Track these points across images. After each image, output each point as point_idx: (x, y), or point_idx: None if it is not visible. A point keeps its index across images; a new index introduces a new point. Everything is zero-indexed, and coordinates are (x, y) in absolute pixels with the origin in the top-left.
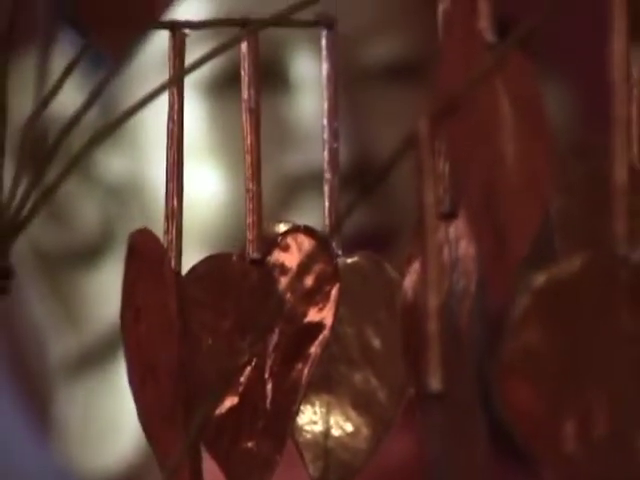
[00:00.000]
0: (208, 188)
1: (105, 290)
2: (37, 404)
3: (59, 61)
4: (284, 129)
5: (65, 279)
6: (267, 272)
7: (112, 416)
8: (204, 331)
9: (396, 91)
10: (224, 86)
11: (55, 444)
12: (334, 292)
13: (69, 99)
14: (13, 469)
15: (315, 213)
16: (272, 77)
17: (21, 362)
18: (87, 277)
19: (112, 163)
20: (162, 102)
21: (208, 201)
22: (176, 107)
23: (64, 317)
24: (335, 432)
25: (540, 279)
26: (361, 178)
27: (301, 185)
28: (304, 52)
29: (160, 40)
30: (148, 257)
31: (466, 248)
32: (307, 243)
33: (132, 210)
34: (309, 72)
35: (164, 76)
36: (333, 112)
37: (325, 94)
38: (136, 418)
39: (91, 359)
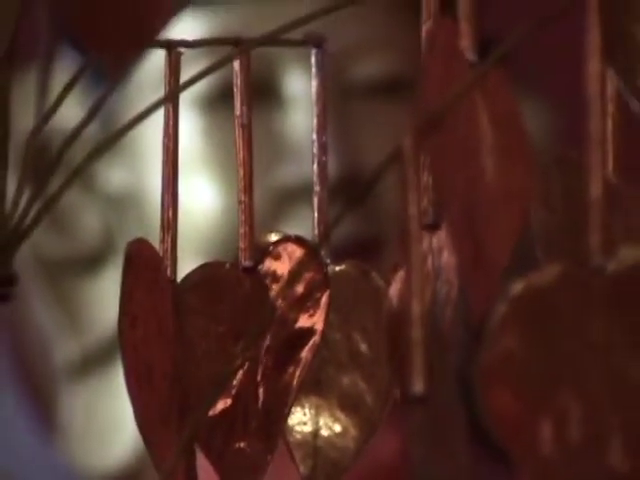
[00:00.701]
0: (202, 199)
1: (106, 296)
2: (41, 405)
3: (60, 77)
4: (275, 143)
5: (67, 286)
6: (259, 280)
7: (113, 417)
8: (198, 336)
9: (382, 107)
10: (217, 102)
11: (59, 444)
12: (324, 299)
13: (70, 114)
14: (18, 468)
15: (305, 223)
16: (264, 93)
17: (26, 365)
18: (88, 284)
19: (112, 175)
20: (159, 116)
21: (202, 212)
22: (171, 122)
23: (67, 322)
24: (324, 432)
25: (518, 287)
26: (349, 190)
27: (292, 197)
28: (295, 69)
29: (156, 58)
30: (144, 266)
31: (448, 258)
32: (298, 252)
33: (131, 220)
34: (299, 89)
35: (160, 93)
36: (322, 127)
37: (315, 110)
38: (130, 422)
39: (93, 362)
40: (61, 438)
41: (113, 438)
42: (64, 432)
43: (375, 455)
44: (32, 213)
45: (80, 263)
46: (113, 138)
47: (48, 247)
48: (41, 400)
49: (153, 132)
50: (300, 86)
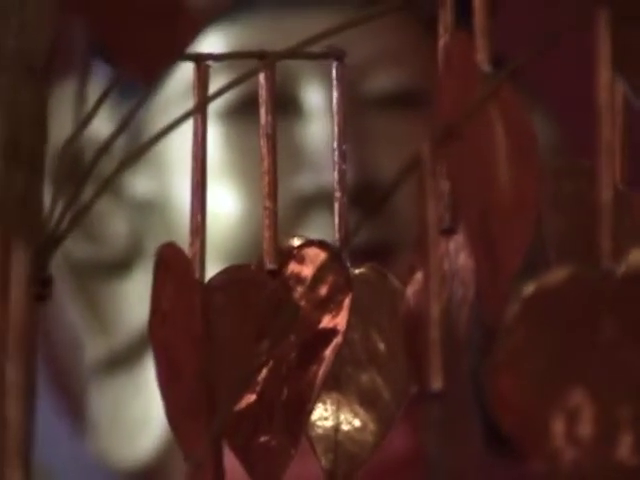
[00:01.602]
0: (223, 207)
1: (132, 298)
2: (72, 401)
3: (93, 90)
4: (291, 153)
5: (96, 288)
6: (283, 282)
7: (139, 412)
8: (225, 335)
9: (395, 118)
10: (237, 114)
11: (88, 437)
12: (347, 301)
13: (99, 127)
14: (50, 460)
15: (321, 230)
16: (281, 105)
17: (57, 364)
18: (116, 286)
19: (139, 183)
20: (184, 128)
21: (223, 218)
22: (200, 132)
23: (95, 323)
24: (344, 427)
25: (530, 288)
26: (363, 198)
27: (307, 205)
28: (311, 83)
29: (178, 73)
30: (174, 268)
31: (465, 260)
32: (321, 256)
33: (157, 226)
34: (315, 101)
35: (182, 108)
36: (342, 136)
37: (335, 120)
38: (161, 413)
39: (120, 361)
40: (90, 433)
41: (140, 433)
42: (93, 427)
43: (388, 449)
44: (67, 220)
45: (108, 267)
46: (144, 147)
47: (78, 252)
48: (72, 396)
49: (178, 142)
50: (316, 98)
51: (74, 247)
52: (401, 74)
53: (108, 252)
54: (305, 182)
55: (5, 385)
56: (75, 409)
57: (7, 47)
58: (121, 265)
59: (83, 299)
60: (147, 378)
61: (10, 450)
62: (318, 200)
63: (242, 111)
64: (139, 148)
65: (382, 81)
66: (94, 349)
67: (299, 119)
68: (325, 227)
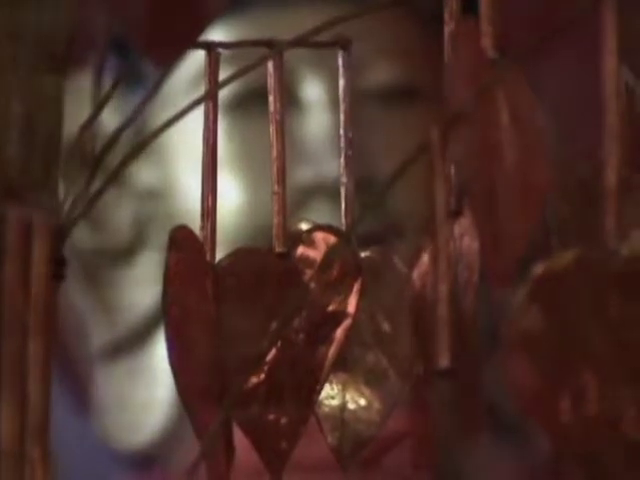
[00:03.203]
0: (226, 194)
1: (137, 285)
2: (77, 385)
3: (104, 82)
4: (292, 146)
5: (101, 276)
6: (292, 264)
7: (143, 396)
8: (235, 315)
9: (391, 112)
10: (238, 108)
11: (94, 420)
12: (356, 284)
13: (107, 119)
14: (57, 443)
15: (321, 221)
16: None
17: (65, 348)
18: (121, 273)
19: (143, 173)
20: (188, 119)
21: (226, 205)
22: (211, 117)
23: (101, 310)
24: (350, 406)
25: (539, 270)
26: (361, 187)
27: (308, 196)
28: (311, 76)
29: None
30: (186, 249)
31: (469, 243)
32: (331, 239)
33: (160, 214)
34: (315, 94)
35: (185, 101)
36: (348, 123)
37: (341, 107)
38: (165, 397)
39: (125, 346)
40: (96, 416)
41: (144, 416)
42: (98, 411)
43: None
44: (80, 206)
45: (113, 255)
46: (154, 134)
47: (84, 240)
48: (77, 381)
49: (181, 132)
50: (313, 92)
51: (79, 235)
52: (398, 68)
53: (113, 240)
54: (304, 174)
55: (27, 363)
56: (81, 393)
57: (27, 33)
58: (126, 253)
59: (88, 286)
60: (151, 363)
61: (32, 426)
62: (317, 191)
63: (243, 105)
64: (149, 135)
65: (380, 75)
66: (99, 335)
67: (297, 112)
68: (324, 218)
